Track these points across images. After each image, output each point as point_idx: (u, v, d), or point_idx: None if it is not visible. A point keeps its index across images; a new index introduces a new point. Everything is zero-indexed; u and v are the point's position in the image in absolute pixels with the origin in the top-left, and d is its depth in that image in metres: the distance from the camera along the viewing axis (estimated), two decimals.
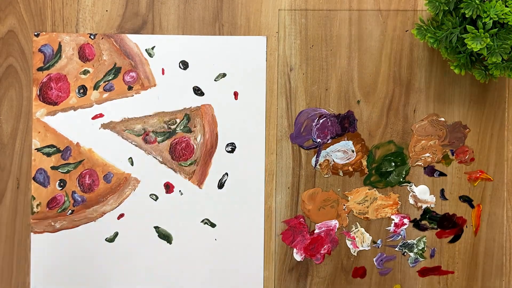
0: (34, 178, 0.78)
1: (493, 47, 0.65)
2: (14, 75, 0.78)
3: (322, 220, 0.80)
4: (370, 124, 0.80)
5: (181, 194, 0.79)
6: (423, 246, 0.80)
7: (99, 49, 0.79)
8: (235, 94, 0.79)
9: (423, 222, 0.80)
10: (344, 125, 0.80)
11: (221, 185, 0.79)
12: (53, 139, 0.78)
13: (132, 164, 0.79)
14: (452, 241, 0.80)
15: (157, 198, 0.79)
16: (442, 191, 0.80)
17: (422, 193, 0.80)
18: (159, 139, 0.79)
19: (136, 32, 0.79)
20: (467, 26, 0.65)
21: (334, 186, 0.80)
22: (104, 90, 0.79)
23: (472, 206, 0.80)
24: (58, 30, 0.79)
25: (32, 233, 0.77)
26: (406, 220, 0.80)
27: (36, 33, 0.78)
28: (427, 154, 0.80)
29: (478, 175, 0.80)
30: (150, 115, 0.79)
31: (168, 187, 0.79)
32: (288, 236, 0.79)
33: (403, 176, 0.80)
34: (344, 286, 0.80)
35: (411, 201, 0.80)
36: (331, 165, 0.80)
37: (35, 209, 0.78)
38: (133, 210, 0.78)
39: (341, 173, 0.80)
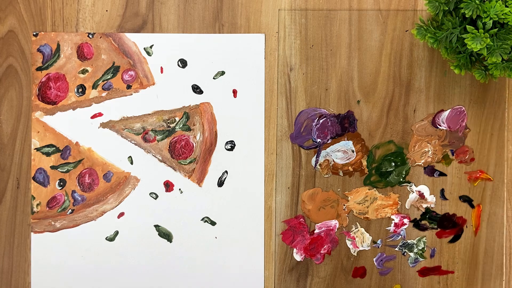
0: (33, 178, 0.78)
1: (493, 47, 0.65)
2: (14, 75, 0.78)
3: (322, 220, 0.80)
4: (370, 124, 0.80)
5: (181, 192, 0.79)
6: (423, 246, 0.80)
7: (97, 48, 0.79)
8: (234, 92, 0.79)
9: (423, 222, 0.80)
10: (344, 125, 0.79)
11: (220, 183, 0.79)
12: (53, 138, 0.78)
13: (131, 163, 0.79)
14: (452, 241, 0.80)
15: (157, 196, 0.79)
16: (442, 191, 0.80)
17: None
18: (158, 137, 0.79)
19: (136, 32, 0.79)
20: (467, 26, 0.65)
21: (334, 186, 0.80)
22: (103, 89, 0.79)
23: (472, 206, 0.80)
24: (58, 30, 0.79)
25: (32, 233, 0.78)
26: (406, 220, 0.80)
27: (35, 33, 0.78)
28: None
29: (478, 175, 0.80)
30: (149, 114, 0.79)
31: (168, 186, 0.79)
32: (288, 236, 0.79)
33: (403, 176, 0.80)
34: (344, 286, 0.80)
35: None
36: (331, 165, 0.79)
37: (35, 209, 0.78)
38: (133, 209, 0.79)
39: (341, 173, 0.80)
